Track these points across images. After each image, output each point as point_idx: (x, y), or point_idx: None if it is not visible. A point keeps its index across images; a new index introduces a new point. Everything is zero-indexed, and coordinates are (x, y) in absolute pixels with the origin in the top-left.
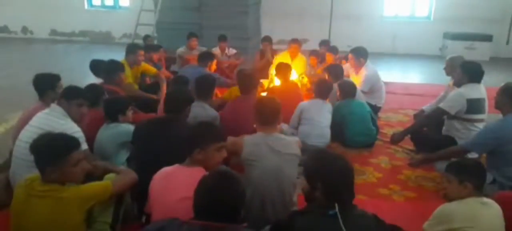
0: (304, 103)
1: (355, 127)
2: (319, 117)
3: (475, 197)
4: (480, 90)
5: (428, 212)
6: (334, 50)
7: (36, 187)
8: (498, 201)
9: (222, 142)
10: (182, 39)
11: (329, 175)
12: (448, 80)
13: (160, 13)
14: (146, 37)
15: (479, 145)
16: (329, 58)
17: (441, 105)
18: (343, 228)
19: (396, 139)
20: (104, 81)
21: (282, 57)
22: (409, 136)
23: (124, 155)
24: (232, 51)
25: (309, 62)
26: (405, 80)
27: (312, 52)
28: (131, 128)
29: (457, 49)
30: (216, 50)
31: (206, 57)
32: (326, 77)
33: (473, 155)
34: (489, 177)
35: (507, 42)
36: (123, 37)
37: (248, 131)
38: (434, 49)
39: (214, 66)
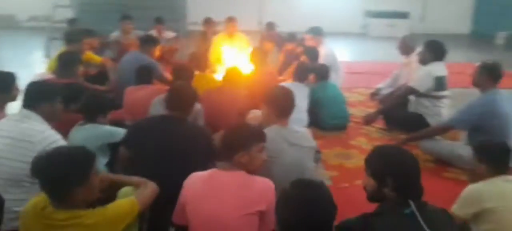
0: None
1: (330, 110)
2: (298, 101)
3: (500, 176)
4: (444, 68)
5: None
6: (292, 37)
7: (53, 215)
8: None
9: (263, 142)
10: (106, 21)
11: (400, 169)
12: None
13: None
14: (73, 21)
15: (463, 121)
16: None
17: (411, 84)
18: (426, 228)
19: (370, 120)
20: (59, 75)
21: (220, 38)
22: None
23: (103, 160)
24: (170, 34)
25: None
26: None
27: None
28: (110, 128)
29: (379, 26)
30: (152, 34)
31: (148, 42)
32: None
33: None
34: (470, 152)
35: (422, 19)
36: (31, 20)
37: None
38: (357, 27)
39: (157, 52)
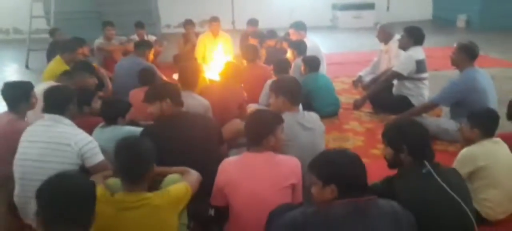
0: (269, 82)
1: (323, 99)
2: None
3: (489, 139)
4: (423, 52)
5: None
6: (273, 34)
7: (126, 198)
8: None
9: (283, 123)
10: (82, 29)
11: (413, 136)
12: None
13: (55, 3)
14: (54, 31)
15: (446, 98)
16: (271, 41)
17: (395, 68)
18: (442, 183)
19: (359, 104)
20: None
21: (204, 38)
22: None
23: None
24: (152, 37)
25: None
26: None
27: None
28: (130, 128)
29: (346, 19)
30: (134, 38)
31: (143, 46)
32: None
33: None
34: (454, 126)
35: (387, 9)
36: None
37: (228, 120)
38: (326, 20)
39: (152, 56)
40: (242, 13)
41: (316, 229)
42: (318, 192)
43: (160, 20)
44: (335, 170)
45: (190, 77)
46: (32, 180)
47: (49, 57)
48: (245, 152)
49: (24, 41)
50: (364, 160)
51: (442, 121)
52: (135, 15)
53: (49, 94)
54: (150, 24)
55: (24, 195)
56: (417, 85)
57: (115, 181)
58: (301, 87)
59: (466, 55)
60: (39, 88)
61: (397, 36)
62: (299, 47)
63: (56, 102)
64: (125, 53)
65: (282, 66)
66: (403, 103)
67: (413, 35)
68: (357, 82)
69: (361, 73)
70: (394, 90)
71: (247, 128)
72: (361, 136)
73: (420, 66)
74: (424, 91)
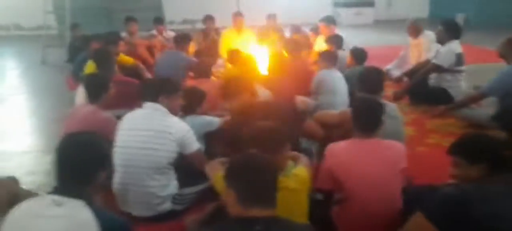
0: (322, 74)
1: None
2: (340, 85)
3: None
4: (460, 46)
5: None
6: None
7: None
8: None
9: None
10: (91, 25)
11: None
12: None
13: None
14: (74, 26)
15: (496, 89)
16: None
17: (436, 61)
18: None
19: (399, 96)
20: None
21: (229, 33)
22: None
23: (202, 147)
24: (170, 33)
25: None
26: None
27: (312, 29)
28: (209, 118)
29: (348, 15)
30: (154, 34)
31: (183, 40)
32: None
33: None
34: None
35: (388, 6)
36: None
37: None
38: None
39: (192, 49)
40: (246, 9)
41: (480, 204)
42: (462, 171)
43: (164, 17)
44: (487, 149)
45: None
46: (135, 167)
47: (71, 52)
48: (352, 138)
49: (25, 38)
50: (421, 149)
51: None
52: (144, 11)
53: (147, 84)
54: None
55: (125, 182)
56: (456, 77)
57: None
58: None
59: None
60: None
61: (427, 32)
62: (337, 41)
63: (152, 92)
64: (149, 48)
65: (329, 57)
66: (442, 95)
67: (451, 30)
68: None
69: (388, 67)
70: (431, 82)
71: (359, 116)
72: (410, 126)
73: (459, 59)
74: (462, 83)
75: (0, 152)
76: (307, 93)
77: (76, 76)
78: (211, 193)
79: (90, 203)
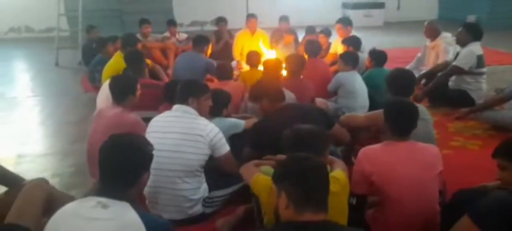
0: (343, 76)
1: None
2: (361, 87)
3: None
4: (481, 48)
5: None
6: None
7: None
8: None
9: None
10: (103, 27)
11: None
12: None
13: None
14: (90, 28)
15: None
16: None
17: (457, 63)
18: None
19: (419, 98)
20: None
21: (242, 35)
22: None
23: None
24: (183, 35)
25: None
26: None
27: (322, 31)
28: (235, 120)
29: (357, 17)
30: (167, 35)
31: (202, 42)
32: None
33: None
34: None
35: (398, 8)
36: (10, 31)
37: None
38: (335, 19)
39: (210, 51)
40: (255, 11)
41: None
42: (508, 174)
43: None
44: None
45: None
46: (167, 170)
47: (86, 54)
48: (386, 141)
49: (35, 40)
50: (446, 152)
51: None
52: (156, 13)
53: (180, 86)
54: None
55: (156, 186)
56: (476, 79)
57: (268, 168)
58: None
59: None
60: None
61: (444, 33)
62: (355, 42)
63: (183, 94)
64: (163, 49)
65: (350, 59)
66: (462, 97)
67: (472, 31)
68: None
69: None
70: (451, 84)
71: (395, 119)
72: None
73: (480, 61)
74: (483, 86)
75: (22, 154)
76: (325, 95)
77: (92, 78)
78: (239, 196)
79: (134, 205)
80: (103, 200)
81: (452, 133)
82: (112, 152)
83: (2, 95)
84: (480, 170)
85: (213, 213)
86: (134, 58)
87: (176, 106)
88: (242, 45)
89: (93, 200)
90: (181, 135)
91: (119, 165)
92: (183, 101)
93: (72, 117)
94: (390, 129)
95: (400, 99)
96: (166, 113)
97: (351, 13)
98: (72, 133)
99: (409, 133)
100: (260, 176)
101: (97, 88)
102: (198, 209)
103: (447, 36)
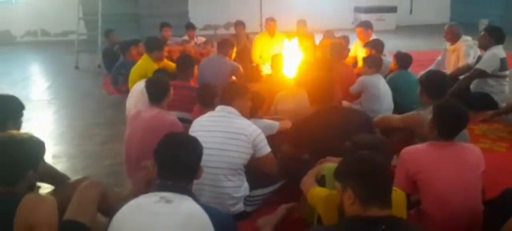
0: (367, 79)
1: (411, 96)
2: (386, 90)
3: None
4: (503, 51)
5: None
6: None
7: None
8: None
9: None
10: (120, 31)
11: None
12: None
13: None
14: (109, 32)
15: None
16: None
17: (480, 66)
18: None
19: None
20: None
21: (261, 38)
22: None
23: None
24: (201, 39)
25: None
26: None
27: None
28: (269, 122)
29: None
30: (186, 39)
31: (226, 45)
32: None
33: None
34: None
35: (410, 12)
36: (26, 35)
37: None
38: (348, 22)
39: (234, 55)
40: (269, 15)
41: None
42: None
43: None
44: None
45: None
46: (212, 168)
47: (107, 57)
48: (431, 142)
49: (51, 43)
50: None
51: None
52: (172, 17)
53: (225, 89)
54: (181, 26)
55: (201, 182)
56: (499, 82)
57: (331, 165)
58: None
59: None
60: (139, 86)
61: (465, 37)
62: (378, 45)
63: (228, 95)
64: (183, 53)
65: (374, 62)
66: (485, 100)
67: (495, 35)
68: None
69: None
70: (472, 87)
71: (445, 121)
72: None
73: (503, 64)
74: (506, 88)
75: (57, 155)
76: (349, 98)
77: (115, 81)
78: (280, 195)
79: (195, 199)
80: (166, 194)
81: (478, 135)
82: (172, 149)
83: (27, 98)
84: (507, 172)
85: (253, 212)
86: (185, 63)
87: (220, 107)
88: (261, 48)
89: (156, 196)
90: (226, 134)
91: (178, 162)
92: (227, 102)
93: (99, 118)
94: (438, 129)
95: (453, 101)
96: (210, 113)
97: (363, 17)
98: (101, 134)
99: (456, 135)
100: (316, 189)
101: (120, 91)
102: (240, 207)
103: (468, 40)
